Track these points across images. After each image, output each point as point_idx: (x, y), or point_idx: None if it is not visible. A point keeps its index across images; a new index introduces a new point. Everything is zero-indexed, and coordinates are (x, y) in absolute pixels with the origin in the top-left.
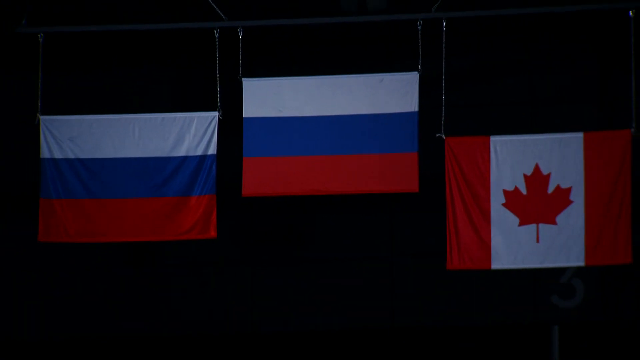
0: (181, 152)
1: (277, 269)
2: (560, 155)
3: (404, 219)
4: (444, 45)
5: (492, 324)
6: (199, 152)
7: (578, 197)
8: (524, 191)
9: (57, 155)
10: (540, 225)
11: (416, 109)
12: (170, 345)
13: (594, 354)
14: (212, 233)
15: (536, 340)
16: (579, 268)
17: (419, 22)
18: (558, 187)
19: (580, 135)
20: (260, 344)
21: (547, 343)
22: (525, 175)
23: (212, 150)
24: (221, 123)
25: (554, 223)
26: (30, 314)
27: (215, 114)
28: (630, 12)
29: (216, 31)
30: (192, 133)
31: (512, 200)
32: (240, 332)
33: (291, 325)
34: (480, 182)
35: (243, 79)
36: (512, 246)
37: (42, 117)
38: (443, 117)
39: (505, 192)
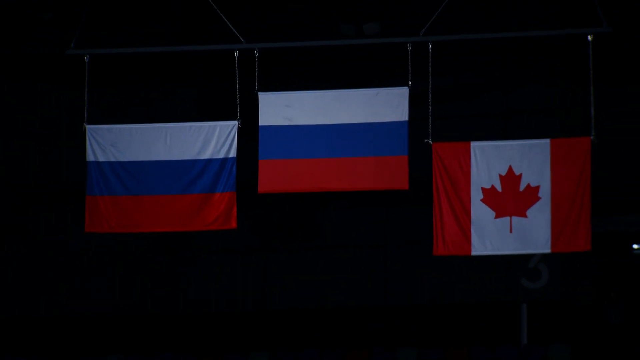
0: (206, 155)
1: (287, 255)
2: (530, 158)
3: (396, 213)
4: (430, 64)
5: (470, 302)
6: (222, 155)
7: (545, 194)
8: (499, 189)
9: (101, 158)
10: (513, 217)
11: (406, 119)
12: (194, 321)
13: (556, 327)
14: (233, 224)
15: (508, 316)
16: (545, 255)
17: (409, 45)
18: (528, 186)
19: (547, 141)
20: (272, 319)
21: (517, 318)
22: (500, 175)
23: (233, 153)
24: (240, 130)
25: (525, 216)
26: (77, 293)
27: (235, 122)
28: (589, 36)
29: (236, 52)
30: (215, 139)
31: (489, 196)
32: (255, 309)
33: (298, 303)
34: (462, 181)
35: (259, 92)
36: (489, 235)
37: (88, 126)
38: (430, 126)
39: (483, 190)
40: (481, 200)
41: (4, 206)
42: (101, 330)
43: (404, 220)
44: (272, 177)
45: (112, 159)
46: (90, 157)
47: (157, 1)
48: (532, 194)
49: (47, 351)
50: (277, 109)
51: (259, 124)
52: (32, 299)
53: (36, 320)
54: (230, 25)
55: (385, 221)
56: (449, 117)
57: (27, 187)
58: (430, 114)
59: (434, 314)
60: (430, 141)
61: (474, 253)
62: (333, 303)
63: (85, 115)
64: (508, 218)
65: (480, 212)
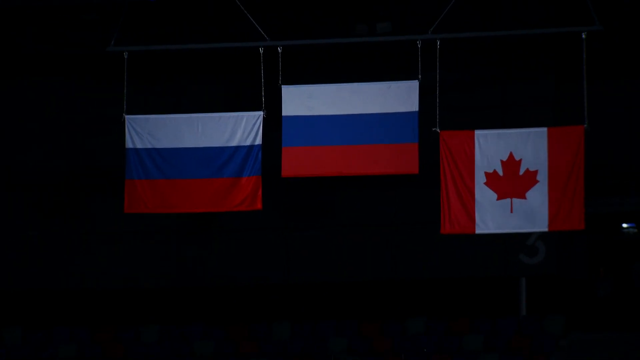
0: (234, 142)
1: (307, 234)
2: (529, 145)
3: (406, 195)
4: (438, 60)
5: (473, 276)
6: (248, 142)
7: (543, 178)
8: (500, 173)
9: (139, 145)
10: (514, 199)
11: (416, 109)
12: (223, 294)
13: (552, 299)
14: (259, 205)
15: (507, 289)
16: (542, 233)
17: (419, 42)
18: (527, 170)
19: (544, 129)
20: (293, 292)
21: (516, 291)
22: (501, 161)
23: (258, 141)
24: (265, 120)
25: (524, 198)
26: (117, 268)
27: (260, 113)
28: (583, 34)
29: (261, 49)
30: (243, 128)
31: (492, 180)
32: (277, 283)
33: (317, 278)
34: (467, 166)
35: (282, 85)
36: (492, 216)
37: (127, 116)
38: (438, 116)
39: (486, 174)
40: (484, 183)
41: (53, 190)
42: (139, 303)
43: (414, 202)
44: (294, 163)
45: (149, 146)
46: (129, 144)
47: (189, 3)
48: (530, 177)
49: (90, 321)
50: (299, 100)
51: (282, 114)
52: (75, 274)
53: (80, 293)
54: (256, 24)
55: (396, 203)
56: (455, 108)
57: (72, 172)
58: (438, 105)
59: (440, 287)
60: (438, 130)
61: (477, 232)
62: (348, 277)
63: (124, 107)
64: (509, 199)
65: (483, 194)
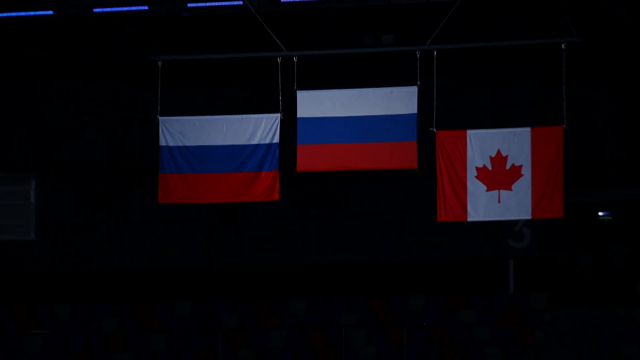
0: (255, 141)
1: (320, 221)
2: (515, 143)
3: (407, 187)
4: (435, 68)
5: (467, 258)
6: (267, 141)
7: (527, 172)
8: (489, 167)
9: (171, 143)
10: (501, 191)
11: (416, 111)
12: (246, 273)
13: (536, 278)
14: (276, 196)
15: (497, 270)
16: (527, 220)
17: (418, 52)
18: (513, 165)
19: (528, 129)
20: (308, 272)
21: (505, 272)
22: (490, 157)
23: (276, 139)
24: (282, 121)
25: (510, 189)
26: (152, 251)
27: (278, 115)
28: (563, 45)
29: (279, 58)
30: (262, 128)
31: (482, 174)
32: (294, 264)
33: (328, 260)
34: (460, 162)
35: (297, 90)
36: (482, 205)
37: (160, 118)
38: (435, 117)
39: (477, 168)
40: (475, 177)
41: (96, 182)
42: (173, 281)
43: (413, 193)
44: (308, 159)
45: (180, 144)
46: (162, 142)
47: (216, 18)
48: (516, 171)
49: (130, 298)
50: (312, 104)
51: (297, 116)
52: (115, 256)
53: (120, 273)
54: (274, 37)
55: (398, 194)
56: (450, 110)
57: (112, 167)
58: (434, 107)
59: (438, 268)
60: (435, 130)
61: (469, 219)
62: (357, 259)
63: (159, 109)
64: (497, 191)
65: (474, 186)
